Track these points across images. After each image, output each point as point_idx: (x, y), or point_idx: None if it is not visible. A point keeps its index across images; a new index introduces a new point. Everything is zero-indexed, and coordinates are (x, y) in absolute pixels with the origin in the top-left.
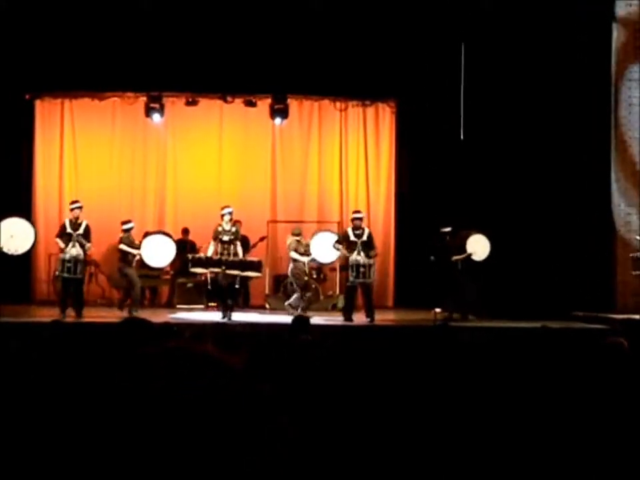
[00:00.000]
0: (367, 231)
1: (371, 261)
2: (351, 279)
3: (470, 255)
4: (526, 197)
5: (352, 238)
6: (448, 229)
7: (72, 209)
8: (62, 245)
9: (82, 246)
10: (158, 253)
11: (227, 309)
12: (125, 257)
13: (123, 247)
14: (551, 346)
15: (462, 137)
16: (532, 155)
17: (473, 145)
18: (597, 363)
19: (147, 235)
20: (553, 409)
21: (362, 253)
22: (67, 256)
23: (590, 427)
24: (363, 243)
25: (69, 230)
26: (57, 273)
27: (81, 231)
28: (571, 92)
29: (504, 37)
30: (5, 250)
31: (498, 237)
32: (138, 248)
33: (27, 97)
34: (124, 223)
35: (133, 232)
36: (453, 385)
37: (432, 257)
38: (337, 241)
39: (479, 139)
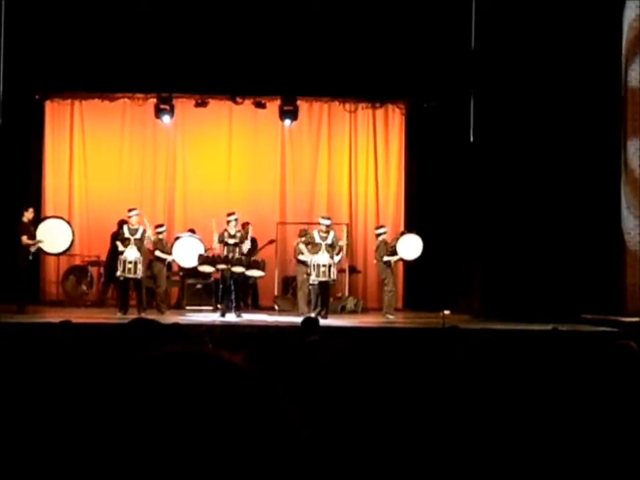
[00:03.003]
0: (332, 234)
1: (332, 261)
2: (313, 277)
3: (400, 257)
4: (535, 200)
5: (317, 240)
6: (383, 230)
7: (129, 216)
8: (121, 248)
9: (139, 249)
10: (190, 254)
11: (228, 310)
12: (159, 258)
13: (158, 253)
14: (560, 348)
15: (472, 139)
16: (542, 158)
17: (482, 147)
18: (606, 365)
19: (177, 239)
20: (562, 411)
21: (325, 254)
22: (128, 258)
23: (599, 430)
24: (327, 245)
25: (127, 235)
26: (117, 274)
27: (138, 235)
28: (581, 94)
29: (514, 39)
30: (45, 248)
31: (507, 240)
32: (169, 253)
33: (37, 97)
34: (157, 226)
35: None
36: (462, 387)
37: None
38: (303, 242)
39: (488, 141)
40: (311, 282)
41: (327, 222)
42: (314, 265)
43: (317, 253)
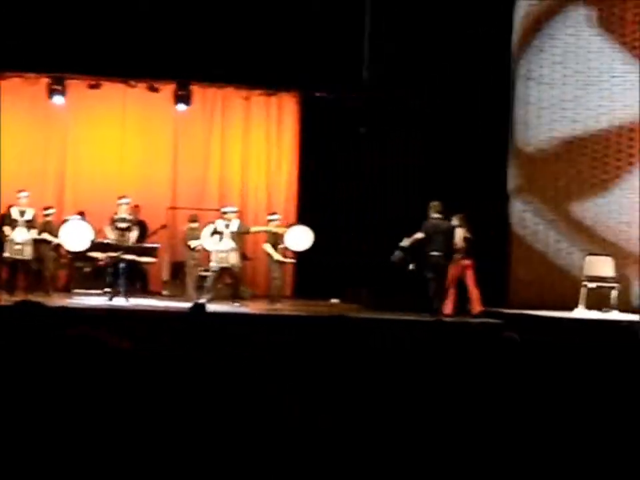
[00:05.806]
0: (236, 222)
1: (233, 247)
2: (213, 263)
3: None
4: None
5: (219, 229)
6: (274, 217)
7: (18, 198)
8: (8, 232)
9: (28, 231)
10: (78, 237)
11: (117, 294)
12: (45, 240)
13: (45, 235)
14: (445, 339)
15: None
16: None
17: (373, 138)
18: (493, 357)
19: (65, 221)
20: (450, 403)
21: (228, 241)
22: (16, 239)
23: (487, 420)
24: (231, 232)
25: (14, 217)
26: (4, 255)
27: (27, 217)
28: (473, 87)
29: (409, 30)
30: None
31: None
32: (57, 235)
33: None
34: (45, 208)
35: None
36: (349, 375)
37: None
38: (213, 232)
39: (378, 132)
40: (212, 269)
41: (231, 209)
42: (213, 252)
43: (220, 240)
